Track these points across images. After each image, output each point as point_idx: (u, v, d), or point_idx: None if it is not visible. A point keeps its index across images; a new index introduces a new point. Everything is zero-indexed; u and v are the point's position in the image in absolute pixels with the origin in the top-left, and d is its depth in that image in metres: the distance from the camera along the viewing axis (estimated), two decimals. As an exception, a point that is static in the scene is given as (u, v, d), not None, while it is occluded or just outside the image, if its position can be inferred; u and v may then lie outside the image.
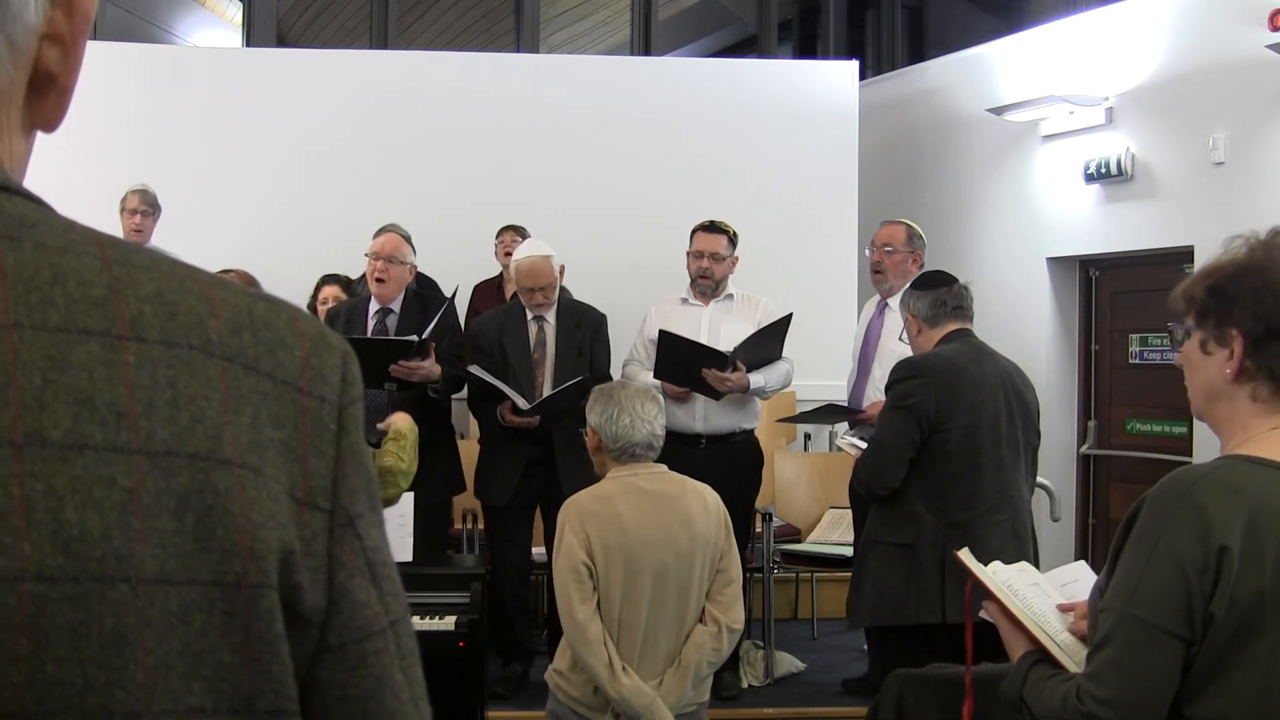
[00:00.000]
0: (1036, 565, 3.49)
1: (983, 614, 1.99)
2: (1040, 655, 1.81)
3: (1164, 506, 1.58)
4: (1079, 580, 2.02)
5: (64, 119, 0.72)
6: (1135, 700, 1.56)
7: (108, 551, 0.60)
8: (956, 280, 3.69)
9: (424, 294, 4.79)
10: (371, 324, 4.60)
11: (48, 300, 0.62)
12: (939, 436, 3.45)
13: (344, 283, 5.45)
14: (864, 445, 3.78)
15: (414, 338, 4.29)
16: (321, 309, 5.20)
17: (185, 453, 0.62)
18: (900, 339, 3.98)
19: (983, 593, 1.99)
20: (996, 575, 1.99)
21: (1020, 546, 3.45)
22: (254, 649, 0.63)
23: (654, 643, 2.99)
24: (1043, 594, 1.94)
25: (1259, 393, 1.63)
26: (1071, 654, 1.78)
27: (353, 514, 0.69)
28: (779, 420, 5.34)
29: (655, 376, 4.58)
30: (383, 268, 4.52)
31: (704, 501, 3.09)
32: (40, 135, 0.74)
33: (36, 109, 0.70)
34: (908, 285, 4.77)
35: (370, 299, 4.63)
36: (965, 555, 2.15)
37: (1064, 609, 1.88)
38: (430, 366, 4.35)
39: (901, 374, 3.55)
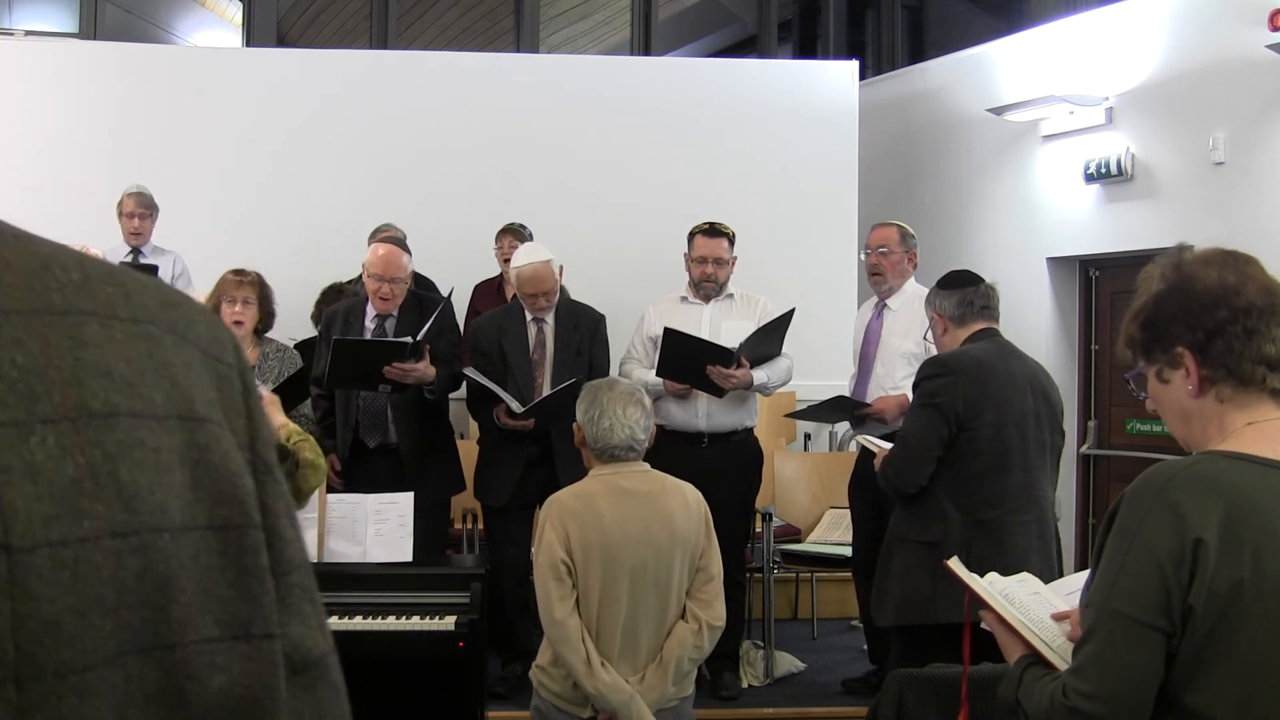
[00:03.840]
0: (1060, 566, 3.51)
1: (983, 624, 2.00)
2: (1035, 658, 1.83)
3: (1140, 503, 1.62)
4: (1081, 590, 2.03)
5: None
6: (1118, 693, 1.59)
7: (154, 505, 0.67)
8: (983, 280, 3.68)
9: (422, 294, 4.78)
10: (370, 328, 4.60)
11: (47, 286, 0.68)
12: (967, 435, 3.45)
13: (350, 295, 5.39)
14: (884, 444, 3.76)
15: (408, 339, 4.28)
16: None
17: (175, 415, 0.70)
18: (925, 338, 3.98)
19: (978, 602, 2.00)
20: (993, 585, 2.01)
21: (1045, 546, 3.46)
22: (245, 581, 0.71)
23: (634, 639, 3.01)
24: (1043, 603, 1.95)
25: (1223, 394, 1.68)
26: (1066, 657, 1.79)
27: (270, 463, 0.77)
28: (786, 415, 5.34)
29: (658, 374, 4.58)
30: (387, 290, 4.49)
31: (685, 500, 3.11)
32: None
33: None
34: (906, 283, 4.80)
35: (368, 300, 4.61)
36: (955, 564, 2.16)
37: (1059, 617, 1.90)
38: (424, 369, 4.34)
39: (930, 372, 3.53)
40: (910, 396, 3.89)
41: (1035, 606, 1.93)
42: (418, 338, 4.28)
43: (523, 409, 4.41)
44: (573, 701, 3.01)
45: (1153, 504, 1.60)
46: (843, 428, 6.08)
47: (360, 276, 5.34)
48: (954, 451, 3.46)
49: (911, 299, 4.64)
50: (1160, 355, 1.72)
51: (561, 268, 4.69)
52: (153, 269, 5.49)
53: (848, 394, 4.86)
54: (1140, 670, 1.58)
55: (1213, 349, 1.66)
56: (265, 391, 3.53)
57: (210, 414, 0.72)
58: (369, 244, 5.43)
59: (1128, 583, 1.59)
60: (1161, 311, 1.72)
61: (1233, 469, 1.61)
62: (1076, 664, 1.64)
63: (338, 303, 5.18)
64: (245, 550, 0.71)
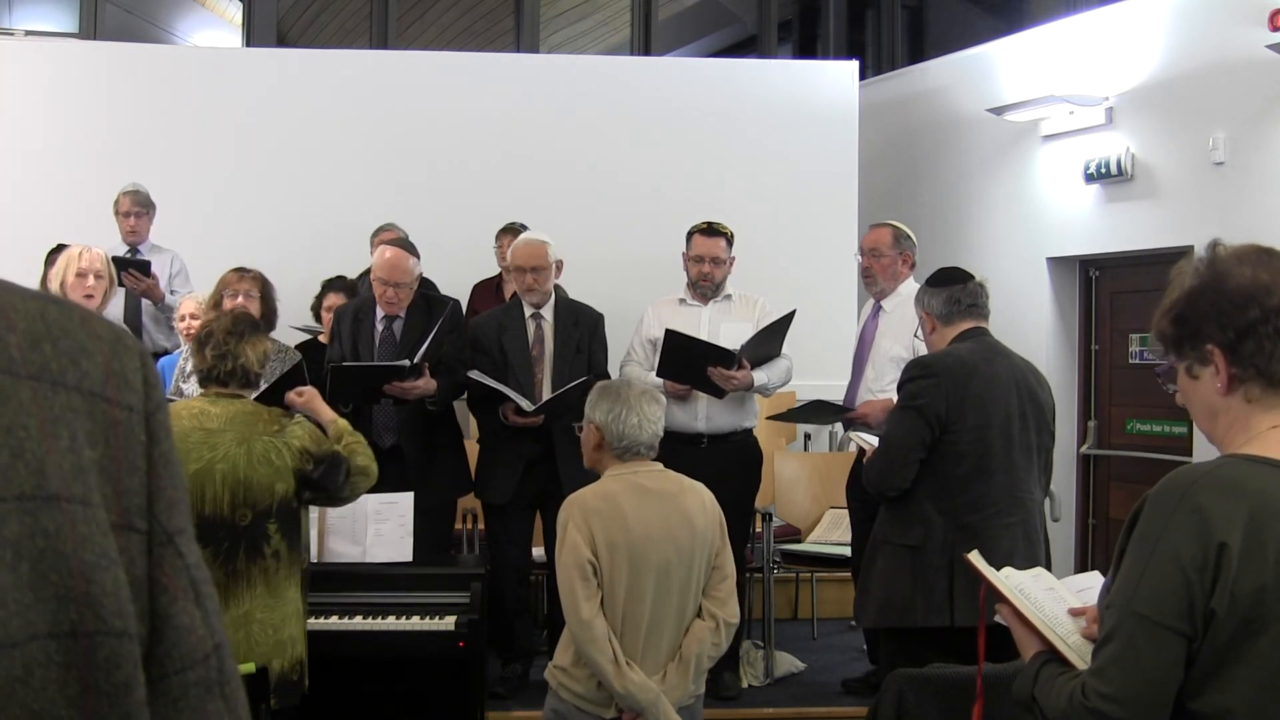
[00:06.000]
0: (1048, 569, 3.49)
1: (997, 617, 2.00)
2: (1051, 655, 1.83)
3: (1164, 505, 1.62)
4: (1093, 588, 2.03)
5: None
6: (1138, 695, 1.59)
7: None
8: (972, 277, 3.64)
9: (429, 295, 4.78)
10: (379, 329, 4.60)
11: None
12: (949, 437, 3.41)
13: (349, 289, 5.39)
14: (874, 440, 3.74)
15: (406, 362, 4.27)
16: (327, 316, 5.17)
17: (12, 495, 0.56)
18: (916, 335, 3.96)
19: (995, 596, 2.00)
20: (1009, 579, 2.01)
21: (1031, 550, 3.42)
22: (91, 701, 0.58)
23: (656, 638, 3.02)
24: (1057, 598, 1.95)
25: (1251, 394, 1.68)
26: (1083, 655, 1.80)
27: (171, 530, 0.64)
28: (769, 418, 5.36)
29: (658, 375, 4.58)
30: (392, 295, 4.48)
31: (701, 500, 3.14)
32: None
33: None
34: (902, 285, 4.79)
35: (375, 301, 4.60)
36: (975, 558, 2.16)
37: (1075, 613, 1.90)
38: (425, 385, 4.34)
39: (912, 374, 3.50)
40: (896, 400, 3.88)
41: (1050, 602, 1.93)
42: (415, 360, 4.27)
43: (533, 407, 4.42)
44: (596, 702, 3.00)
45: (1176, 507, 1.60)
46: (843, 427, 6.08)
47: (362, 276, 5.34)
48: (936, 454, 3.43)
49: (906, 301, 4.62)
50: (1190, 351, 1.72)
51: (561, 264, 4.70)
52: (145, 264, 5.48)
53: (845, 397, 4.86)
54: (1161, 673, 1.58)
55: (1243, 348, 1.66)
56: (307, 389, 3.56)
57: (70, 488, 0.58)
58: (371, 244, 5.44)
59: (1150, 586, 1.59)
60: (1194, 308, 1.71)
61: (1257, 473, 1.61)
62: (1097, 665, 1.65)
63: (340, 296, 5.20)
64: (95, 663, 0.58)
